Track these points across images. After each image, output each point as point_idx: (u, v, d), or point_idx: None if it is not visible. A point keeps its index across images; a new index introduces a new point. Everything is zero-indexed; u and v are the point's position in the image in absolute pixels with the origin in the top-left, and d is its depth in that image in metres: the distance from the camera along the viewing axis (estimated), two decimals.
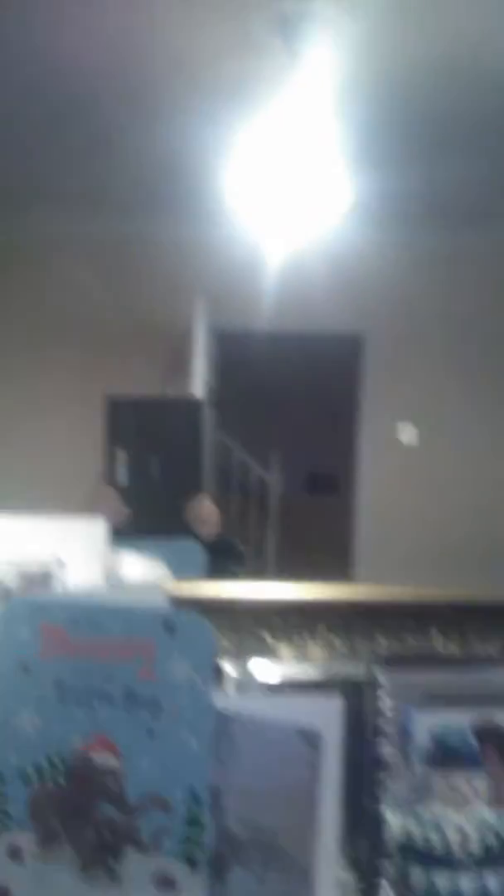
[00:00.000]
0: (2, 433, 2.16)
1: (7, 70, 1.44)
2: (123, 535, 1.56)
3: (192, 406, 2.08)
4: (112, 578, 0.95)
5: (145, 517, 1.64)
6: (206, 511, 1.72)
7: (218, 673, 0.89)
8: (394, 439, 2.26)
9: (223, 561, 1.51)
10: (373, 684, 0.85)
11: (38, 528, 0.94)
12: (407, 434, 2.24)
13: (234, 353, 2.30)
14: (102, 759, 0.72)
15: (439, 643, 0.91)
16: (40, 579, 0.93)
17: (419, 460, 2.25)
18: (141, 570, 1.00)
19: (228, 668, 0.90)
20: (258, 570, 2.40)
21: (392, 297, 2.13)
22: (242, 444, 2.44)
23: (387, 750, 0.82)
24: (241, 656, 0.91)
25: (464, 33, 1.34)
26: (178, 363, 2.18)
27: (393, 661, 0.86)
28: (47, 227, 2.09)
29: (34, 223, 2.04)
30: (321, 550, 2.37)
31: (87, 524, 0.95)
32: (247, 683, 0.88)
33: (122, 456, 1.79)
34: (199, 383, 2.13)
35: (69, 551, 0.93)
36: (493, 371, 2.19)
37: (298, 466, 2.85)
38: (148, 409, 1.98)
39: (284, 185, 1.59)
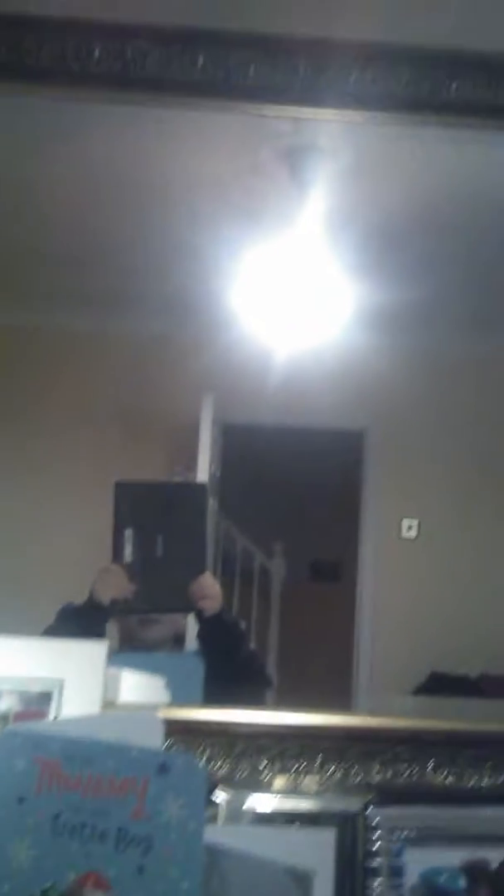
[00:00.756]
0: (20, 514, 2.20)
1: (40, 176, 1.55)
2: (129, 609, 1.58)
3: (196, 489, 2.11)
4: (110, 702, 0.96)
5: (150, 593, 1.66)
6: (208, 587, 1.72)
7: (211, 802, 0.90)
8: (394, 530, 2.28)
9: (243, 680, 1.50)
10: (366, 819, 0.86)
11: (39, 649, 0.96)
12: (407, 526, 2.26)
13: (238, 445, 2.34)
14: None
15: (436, 776, 0.92)
16: (39, 701, 0.95)
17: (419, 552, 2.26)
18: (140, 690, 1.01)
19: (222, 796, 0.90)
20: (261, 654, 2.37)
21: (393, 396, 2.17)
22: (246, 532, 2.45)
23: (377, 888, 0.82)
24: (235, 784, 0.92)
25: (462, 158, 1.42)
26: (185, 454, 2.23)
27: (387, 795, 0.87)
28: (67, 325, 2.17)
29: (54, 321, 2.13)
30: (323, 635, 2.36)
31: (88, 646, 0.97)
32: (240, 813, 0.88)
33: (129, 535, 1.81)
34: (203, 473, 2.17)
35: (69, 672, 0.95)
36: (494, 468, 2.22)
37: (301, 555, 2.84)
38: (154, 492, 2.00)
39: (288, 294, 1.66)
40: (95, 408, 2.30)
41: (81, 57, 0.98)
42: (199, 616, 1.50)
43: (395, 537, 2.40)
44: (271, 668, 2.29)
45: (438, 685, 2.00)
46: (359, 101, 1.04)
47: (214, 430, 2.31)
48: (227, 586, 2.27)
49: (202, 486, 2.09)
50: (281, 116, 1.09)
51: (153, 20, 0.98)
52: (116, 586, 1.47)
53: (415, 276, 1.78)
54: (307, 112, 1.06)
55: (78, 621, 1.39)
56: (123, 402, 2.32)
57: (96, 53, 0.98)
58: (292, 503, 2.81)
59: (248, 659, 1.70)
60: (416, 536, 2.38)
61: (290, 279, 1.62)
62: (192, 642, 1.66)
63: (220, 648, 1.51)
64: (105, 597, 1.43)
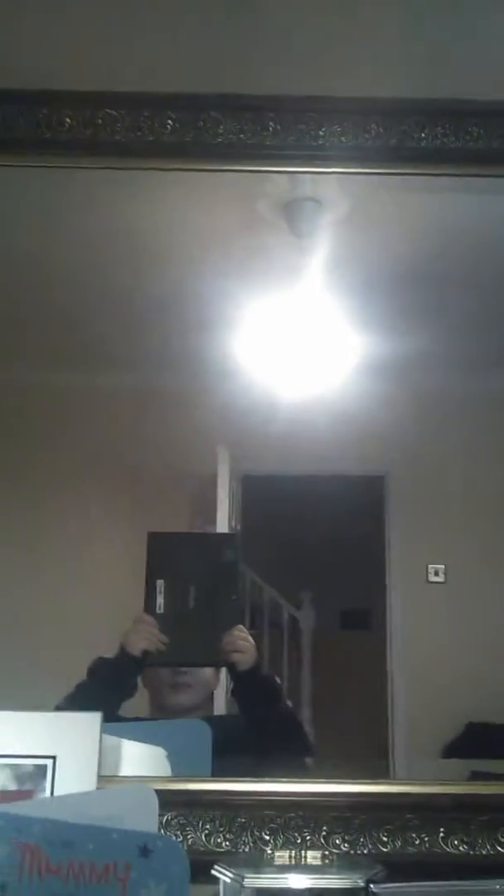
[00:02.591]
0: (46, 566, 2.20)
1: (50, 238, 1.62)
2: (161, 661, 1.55)
3: (227, 539, 2.10)
4: (110, 775, 0.93)
5: (182, 645, 1.63)
6: (241, 639, 1.69)
7: (211, 879, 0.86)
8: (421, 575, 2.23)
9: (283, 740, 1.46)
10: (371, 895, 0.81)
11: (31, 722, 0.94)
12: (434, 571, 2.20)
13: (258, 496, 2.32)
14: None
15: (447, 845, 0.86)
16: (33, 777, 0.92)
17: (447, 597, 2.20)
18: (140, 761, 0.98)
19: (222, 873, 0.86)
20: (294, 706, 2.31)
21: (411, 441, 2.14)
22: (272, 583, 2.42)
23: None
24: (235, 858, 0.88)
25: (454, 203, 1.42)
26: (205, 507, 2.21)
27: (394, 869, 0.82)
28: (81, 383, 2.23)
29: (79, 379, 2.20)
30: (356, 686, 2.29)
31: (81, 718, 0.95)
32: (239, 891, 0.84)
33: (160, 586, 1.79)
34: (224, 525, 2.15)
35: (62, 747, 0.93)
36: None
37: (330, 603, 2.79)
38: (186, 542, 1.99)
39: (295, 344, 1.65)
40: (110, 464, 2.31)
41: (52, 125, 1.00)
42: (233, 671, 1.47)
43: (422, 582, 2.34)
44: (306, 724, 2.23)
45: (476, 736, 1.92)
46: (331, 154, 1.05)
47: (233, 482, 2.29)
48: (256, 639, 2.23)
49: (233, 536, 2.07)
50: (253, 172, 1.10)
51: (121, 88, 1.00)
52: (148, 637, 1.45)
53: (418, 321, 1.77)
54: (278, 167, 1.07)
55: (109, 675, 1.37)
56: (139, 457, 2.33)
57: (67, 122, 1.00)
58: (317, 552, 2.77)
59: (287, 715, 1.65)
60: (444, 581, 2.32)
61: (295, 329, 1.62)
62: (219, 708, 1.62)
63: (257, 705, 1.48)
64: (136, 648, 1.40)
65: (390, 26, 1.09)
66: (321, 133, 1.06)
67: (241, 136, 1.05)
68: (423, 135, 1.08)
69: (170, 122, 1.02)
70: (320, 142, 1.08)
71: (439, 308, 1.86)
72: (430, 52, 1.11)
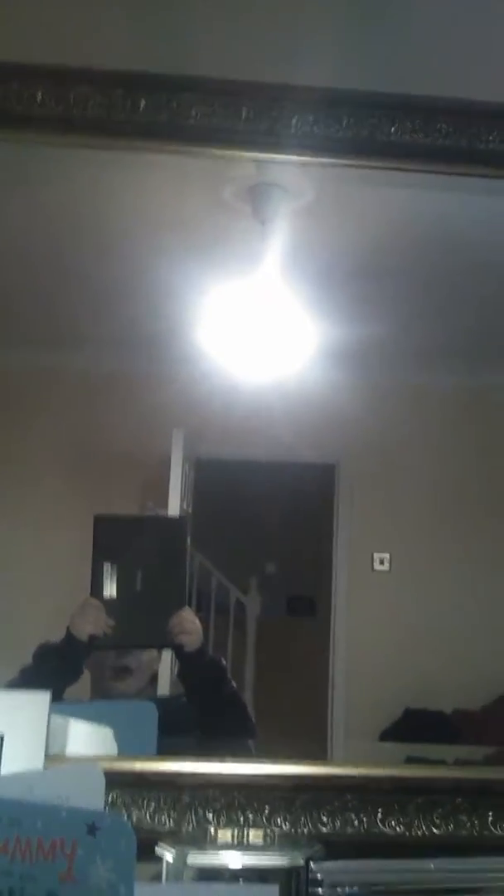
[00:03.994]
0: None
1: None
2: (107, 644, 1.55)
3: (176, 523, 2.09)
4: (58, 755, 0.93)
5: (129, 628, 1.63)
6: (188, 621, 1.70)
7: (155, 858, 0.87)
8: (367, 564, 2.27)
9: (228, 721, 1.47)
10: (311, 873, 0.83)
11: None
12: (379, 560, 2.24)
13: (210, 480, 2.33)
14: None
15: (385, 826, 0.89)
16: None
17: (391, 585, 2.24)
18: (91, 741, 0.98)
19: (166, 851, 0.88)
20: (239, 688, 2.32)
21: (363, 431, 2.17)
22: (220, 567, 2.43)
23: None
24: (179, 837, 0.89)
25: (418, 198, 1.44)
26: (157, 489, 2.21)
27: (333, 849, 0.84)
28: (37, 363, 2.19)
29: (25, 360, 2.15)
30: (299, 671, 2.32)
31: (31, 697, 0.95)
32: (182, 869, 0.86)
33: (107, 569, 1.78)
34: (175, 508, 2.15)
35: (9, 725, 0.93)
36: (463, 501, 2.21)
37: (276, 589, 2.82)
38: (133, 526, 1.98)
39: (253, 330, 1.66)
40: (65, 444, 2.29)
41: (24, 100, 0.99)
42: (179, 653, 1.48)
43: (367, 571, 2.38)
44: (249, 707, 2.26)
45: (413, 722, 1.97)
46: (302, 143, 1.05)
47: (185, 466, 2.30)
48: (202, 622, 2.24)
49: (182, 520, 2.07)
50: (220, 158, 1.10)
51: (95, 64, 0.99)
52: (95, 621, 1.45)
53: (376, 312, 1.80)
54: (248, 153, 1.07)
55: (55, 659, 1.36)
56: (92, 439, 2.31)
57: (38, 97, 0.99)
58: (267, 538, 2.79)
59: (232, 697, 1.67)
60: (389, 570, 2.36)
61: (254, 315, 1.63)
62: (163, 688, 1.63)
63: (203, 686, 1.48)
64: (83, 632, 1.40)
65: (376, 19, 1.08)
66: (293, 122, 1.06)
67: (214, 119, 1.05)
68: (392, 129, 1.09)
69: (143, 101, 1.02)
70: (292, 130, 1.08)
71: (396, 300, 1.89)
72: (412, 48, 1.11)
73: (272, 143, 1.12)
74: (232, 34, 1.04)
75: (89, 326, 2.16)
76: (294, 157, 1.10)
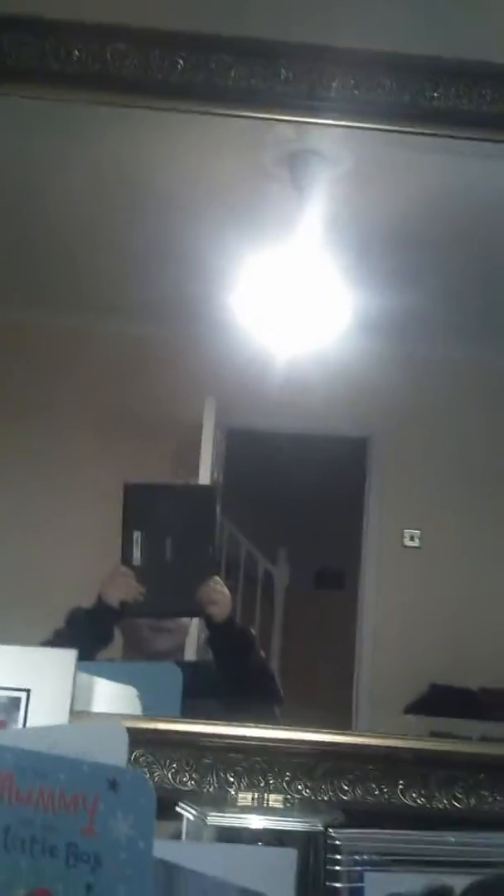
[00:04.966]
0: (21, 518, 2.20)
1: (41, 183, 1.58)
2: (137, 612, 1.57)
3: (206, 491, 2.10)
4: (82, 711, 0.95)
5: (158, 596, 1.64)
6: (217, 591, 1.71)
7: (176, 816, 0.88)
8: (397, 540, 2.25)
9: (255, 689, 1.48)
10: (329, 839, 0.83)
11: (7, 656, 0.95)
12: (409, 536, 2.23)
13: (241, 450, 2.32)
14: None
15: (405, 797, 0.89)
16: (7, 709, 0.94)
17: (421, 562, 2.22)
18: (116, 700, 0.99)
19: (185, 810, 0.89)
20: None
21: (397, 405, 2.14)
22: (250, 537, 2.43)
23: None
24: (199, 797, 0.90)
25: (459, 166, 1.41)
26: (188, 458, 2.21)
27: (353, 817, 0.84)
28: (63, 325, 2.18)
29: (51, 320, 2.14)
30: (326, 644, 2.33)
31: (58, 654, 0.96)
32: (202, 829, 0.87)
33: (137, 537, 1.79)
34: (206, 477, 2.16)
35: (37, 681, 0.94)
36: (497, 479, 2.18)
37: (305, 562, 2.82)
38: (164, 494, 1.99)
39: (290, 298, 1.64)
40: (97, 409, 2.29)
41: (60, 58, 0.98)
42: (209, 622, 1.49)
43: (397, 546, 2.37)
44: (276, 675, 2.27)
45: (439, 697, 1.96)
46: (342, 107, 1.03)
47: (217, 434, 2.29)
48: (231, 591, 2.25)
49: (211, 489, 2.07)
50: (261, 119, 1.08)
51: (133, 22, 0.98)
52: (125, 588, 1.47)
53: (414, 283, 1.76)
54: (287, 117, 1.05)
55: (87, 624, 1.38)
56: (125, 404, 2.32)
57: (75, 54, 0.98)
58: (297, 509, 2.78)
59: (260, 666, 1.68)
60: (419, 546, 2.35)
61: (291, 283, 1.61)
62: (190, 653, 1.64)
63: (232, 654, 1.49)
64: (114, 599, 1.42)
65: None
66: (333, 85, 1.04)
67: (252, 81, 1.03)
68: (435, 94, 1.06)
69: (180, 61, 1.00)
70: (332, 94, 1.06)
71: (436, 271, 1.85)
72: (458, 11, 1.08)
73: (312, 106, 1.10)
74: None
75: (126, 290, 2.14)
76: (333, 122, 1.07)
